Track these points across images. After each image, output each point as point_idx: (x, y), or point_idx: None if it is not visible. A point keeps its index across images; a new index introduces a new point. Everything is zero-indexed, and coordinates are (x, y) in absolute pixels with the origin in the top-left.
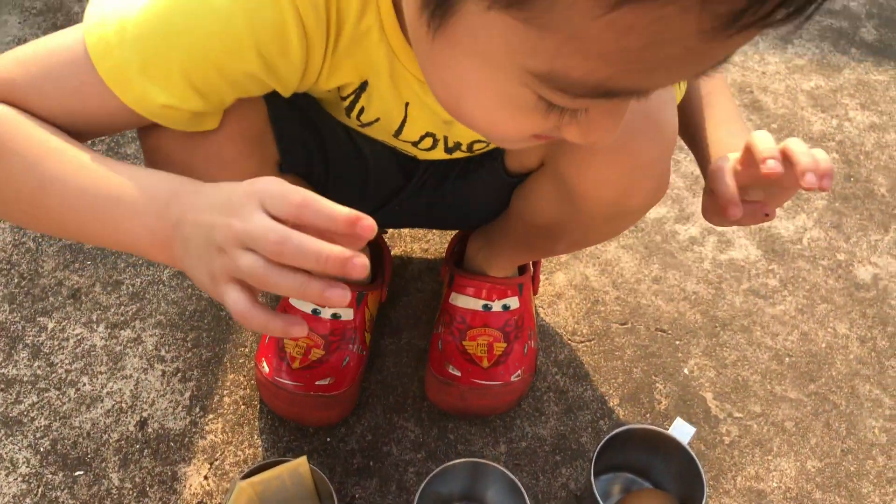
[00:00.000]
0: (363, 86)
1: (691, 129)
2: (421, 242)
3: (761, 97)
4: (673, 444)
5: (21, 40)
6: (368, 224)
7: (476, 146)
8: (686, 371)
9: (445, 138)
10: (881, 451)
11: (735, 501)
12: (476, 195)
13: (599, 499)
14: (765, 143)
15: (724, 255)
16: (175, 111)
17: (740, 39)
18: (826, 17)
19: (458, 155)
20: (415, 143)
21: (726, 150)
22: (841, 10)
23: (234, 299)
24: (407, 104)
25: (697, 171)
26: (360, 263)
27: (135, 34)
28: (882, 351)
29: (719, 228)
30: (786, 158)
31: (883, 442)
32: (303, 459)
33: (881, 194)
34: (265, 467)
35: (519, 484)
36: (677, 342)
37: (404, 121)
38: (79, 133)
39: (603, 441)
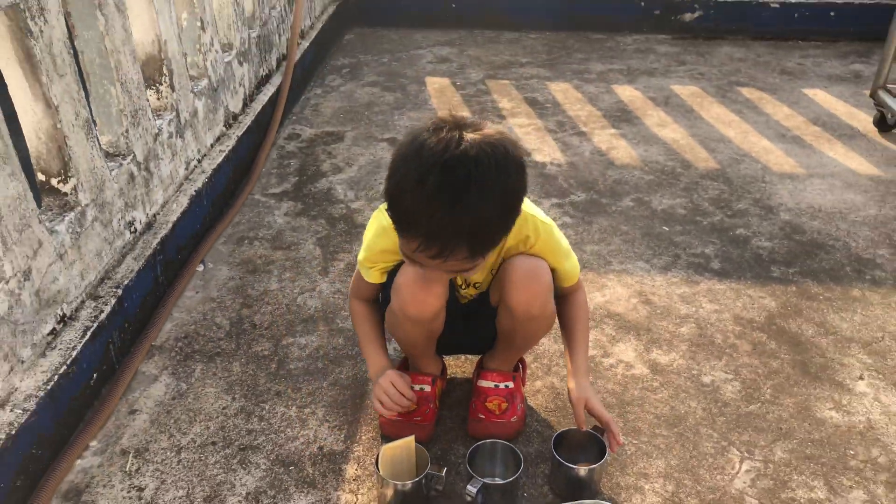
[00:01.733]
0: None
1: (564, 334)
2: (460, 362)
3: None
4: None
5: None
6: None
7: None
8: None
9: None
10: None
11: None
12: (480, 323)
13: (554, 453)
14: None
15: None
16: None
17: (442, 264)
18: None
19: (471, 291)
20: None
21: (577, 385)
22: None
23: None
24: None
25: None
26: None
27: (362, 251)
28: None
29: None
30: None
31: None
32: (412, 437)
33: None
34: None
35: (516, 449)
36: None
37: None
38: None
39: (556, 433)
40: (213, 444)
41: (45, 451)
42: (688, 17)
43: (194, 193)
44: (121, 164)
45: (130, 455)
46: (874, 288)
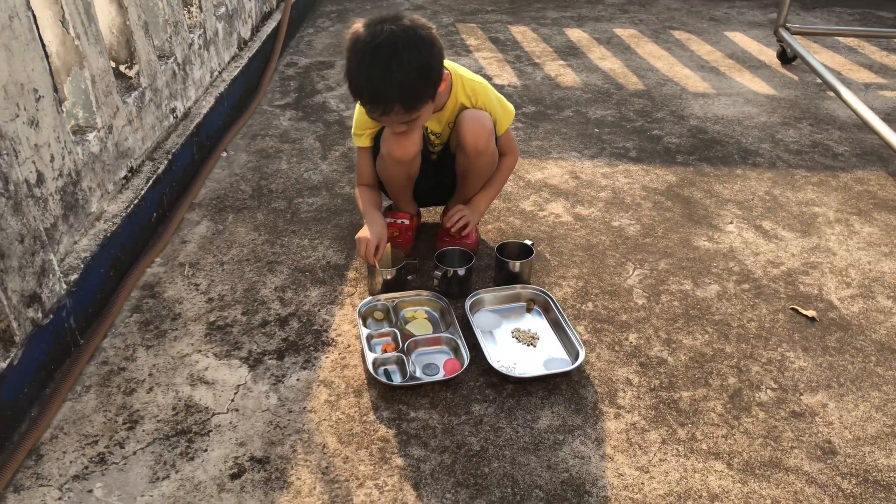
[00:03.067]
0: None
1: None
2: (430, 212)
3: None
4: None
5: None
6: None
7: (440, 135)
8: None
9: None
10: None
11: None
12: (445, 172)
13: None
14: (451, 210)
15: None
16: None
17: (389, 118)
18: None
19: (436, 142)
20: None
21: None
22: None
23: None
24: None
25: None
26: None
27: (353, 125)
28: None
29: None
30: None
31: None
32: (389, 244)
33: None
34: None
35: (470, 252)
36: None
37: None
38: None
39: (498, 244)
40: (248, 260)
41: (126, 256)
42: None
43: (218, 96)
44: (166, 63)
45: (187, 265)
46: (753, 168)
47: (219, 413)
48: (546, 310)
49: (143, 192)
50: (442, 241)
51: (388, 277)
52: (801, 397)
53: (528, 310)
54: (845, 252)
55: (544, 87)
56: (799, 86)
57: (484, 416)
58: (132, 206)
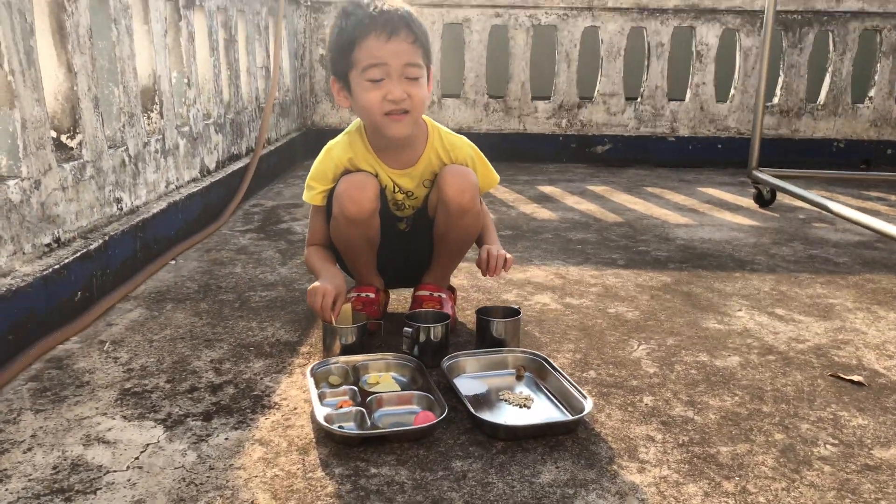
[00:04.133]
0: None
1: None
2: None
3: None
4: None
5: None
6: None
7: (413, 195)
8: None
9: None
10: None
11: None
12: (419, 247)
13: (484, 322)
14: (483, 252)
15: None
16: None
17: (394, 45)
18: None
19: (407, 203)
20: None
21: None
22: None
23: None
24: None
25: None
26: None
27: (309, 177)
28: None
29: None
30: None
31: None
32: (349, 305)
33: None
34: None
35: (445, 313)
36: None
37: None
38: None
39: (479, 308)
40: (182, 338)
41: (35, 327)
42: (599, 149)
43: (172, 203)
44: (116, 149)
45: (108, 343)
46: (753, 272)
47: (115, 471)
48: (542, 377)
49: (67, 263)
50: (418, 307)
51: (349, 341)
52: (872, 451)
53: (519, 377)
54: (877, 332)
55: (521, 219)
56: (782, 220)
57: (468, 472)
58: (51, 271)
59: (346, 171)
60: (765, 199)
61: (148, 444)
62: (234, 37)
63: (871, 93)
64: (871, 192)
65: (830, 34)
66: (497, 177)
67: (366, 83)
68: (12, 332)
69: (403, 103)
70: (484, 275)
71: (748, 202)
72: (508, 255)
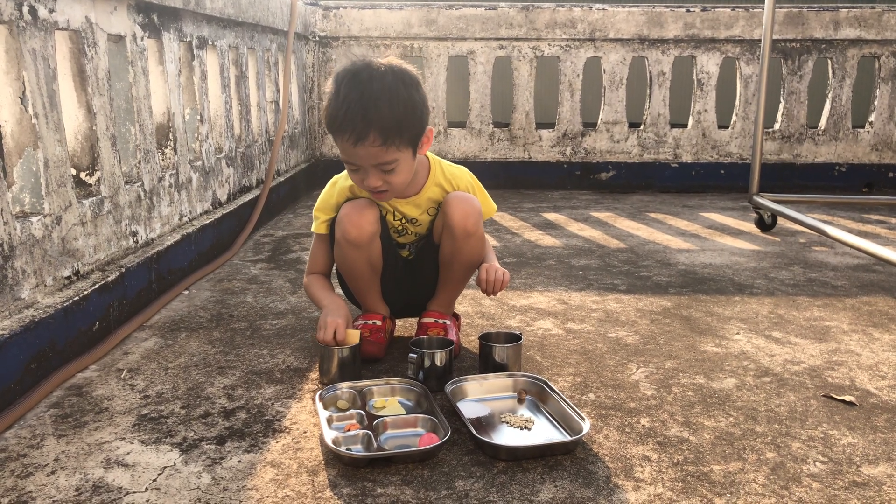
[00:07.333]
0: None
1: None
2: (408, 320)
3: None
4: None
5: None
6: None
7: (418, 222)
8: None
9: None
10: None
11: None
12: (423, 274)
13: (486, 348)
14: (482, 271)
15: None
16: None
17: (361, 150)
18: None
19: (410, 229)
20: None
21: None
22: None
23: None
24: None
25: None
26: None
27: (315, 208)
28: None
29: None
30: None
31: None
32: (358, 332)
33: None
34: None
35: (448, 339)
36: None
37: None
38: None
39: (482, 333)
40: (196, 365)
41: (55, 355)
42: (603, 175)
43: (185, 235)
44: (132, 185)
45: (124, 371)
46: (751, 296)
47: (134, 492)
48: (543, 400)
49: (86, 294)
50: (423, 333)
51: (344, 354)
52: (860, 469)
53: (520, 400)
54: (871, 353)
55: (524, 247)
56: (782, 244)
57: (470, 491)
58: (71, 303)
59: (349, 199)
60: (766, 223)
61: (165, 467)
62: (245, 73)
63: (872, 117)
64: (871, 216)
65: (829, 61)
66: (495, 206)
67: (347, 163)
68: (35, 361)
69: (380, 188)
70: (483, 291)
71: (750, 227)
72: (506, 272)
